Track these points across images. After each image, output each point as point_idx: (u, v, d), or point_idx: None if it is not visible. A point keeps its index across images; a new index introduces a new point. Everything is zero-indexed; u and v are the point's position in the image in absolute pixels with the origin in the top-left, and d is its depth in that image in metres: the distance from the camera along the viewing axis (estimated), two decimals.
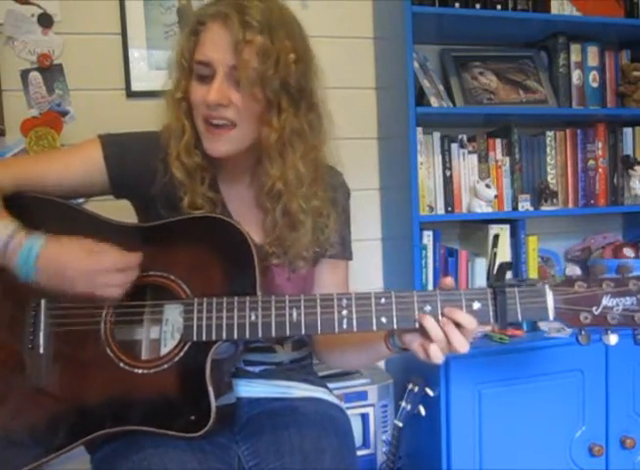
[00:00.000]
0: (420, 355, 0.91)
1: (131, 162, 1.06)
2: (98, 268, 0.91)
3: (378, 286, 2.06)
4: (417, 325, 0.89)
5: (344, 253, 1.16)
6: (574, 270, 0.82)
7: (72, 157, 1.07)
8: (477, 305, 0.88)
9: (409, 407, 1.58)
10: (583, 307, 0.87)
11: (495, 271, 0.96)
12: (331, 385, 1.26)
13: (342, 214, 1.14)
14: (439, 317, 0.88)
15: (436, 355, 0.89)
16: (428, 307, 0.89)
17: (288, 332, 0.91)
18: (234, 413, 1.05)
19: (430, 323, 0.88)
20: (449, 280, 0.91)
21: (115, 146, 1.06)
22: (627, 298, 0.86)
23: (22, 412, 0.97)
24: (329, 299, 0.91)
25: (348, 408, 1.22)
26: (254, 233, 1.06)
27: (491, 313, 0.88)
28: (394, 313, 0.89)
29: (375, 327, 0.89)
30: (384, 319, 0.89)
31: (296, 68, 0.97)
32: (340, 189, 1.15)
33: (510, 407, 1.72)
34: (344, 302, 0.90)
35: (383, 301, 0.89)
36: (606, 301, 0.86)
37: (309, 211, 1.05)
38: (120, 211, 1.09)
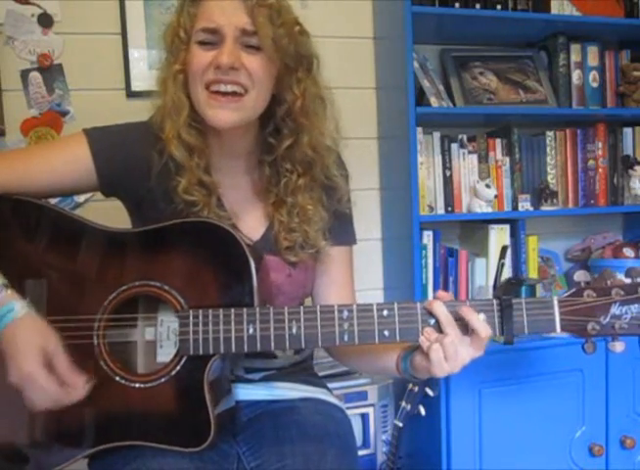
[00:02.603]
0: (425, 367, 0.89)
1: (122, 156, 1.00)
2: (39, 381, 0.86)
3: (378, 286, 2.06)
4: (420, 339, 0.87)
5: (344, 238, 1.12)
6: (583, 275, 0.79)
7: (57, 156, 1.00)
8: (482, 317, 0.86)
9: (409, 407, 1.57)
10: (591, 318, 0.84)
11: (504, 286, 0.95)
12: (331, 385, 1.25)
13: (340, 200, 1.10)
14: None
15: (438, 355, 0.85)
16: (432, 320, 0.87)
17: (287, 346, 0.89)
18: (233, 417, 1.04)
19: (440, 310, 0.85)
20: (445, 294, 0.88)
21: (103, 141, 1.00)
22: (637, 305, 0.83)
23: (17, 428, 0.94)
24: (329, 311, 0.88)
25: (348, 408, 1.21)
26: (252, 226, 1.04)
27: (497, 325, 0.86)
28: (397, 326, 0.87)
29: (377, 340, 0.87)
30: (386, 332, 0.87)
31: (301, 39, 0.97)
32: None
33: (510, 407, 1.72)
34: (345, 314, 0.87)
35: (385, 313, 0.87)
36: (614, 309, 0.83)
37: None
38: (117, 213, 1.07)
